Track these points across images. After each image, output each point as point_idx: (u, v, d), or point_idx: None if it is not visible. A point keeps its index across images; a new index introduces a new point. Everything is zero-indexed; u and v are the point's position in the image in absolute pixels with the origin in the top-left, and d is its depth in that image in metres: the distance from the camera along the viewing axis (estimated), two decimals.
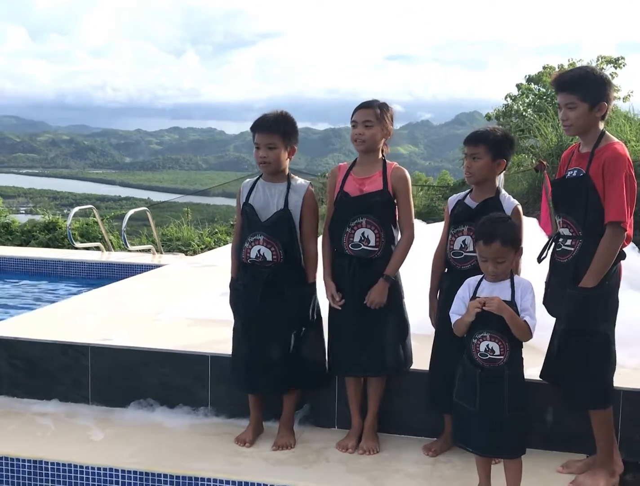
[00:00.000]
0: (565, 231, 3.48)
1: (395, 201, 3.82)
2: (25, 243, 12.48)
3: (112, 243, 11.37)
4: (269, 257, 3.80)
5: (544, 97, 22.81)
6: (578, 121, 3.37)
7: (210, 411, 4.32)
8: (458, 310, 3.32)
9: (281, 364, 3.83)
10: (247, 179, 4.04)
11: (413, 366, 3.99)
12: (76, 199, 72.39)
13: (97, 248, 9.99)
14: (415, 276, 4.76)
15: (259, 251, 3.81)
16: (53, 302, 6.65)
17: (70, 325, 5.03)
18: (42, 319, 5.28)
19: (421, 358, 4.02)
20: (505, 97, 25.20)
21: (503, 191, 3.77)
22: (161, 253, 10.09)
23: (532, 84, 25.18)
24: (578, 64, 25.19)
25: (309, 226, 3.89)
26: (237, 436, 3.99)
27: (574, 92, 3.35)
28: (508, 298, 3.20)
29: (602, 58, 24.93)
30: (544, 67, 25.92)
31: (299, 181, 3.93)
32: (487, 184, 3.72)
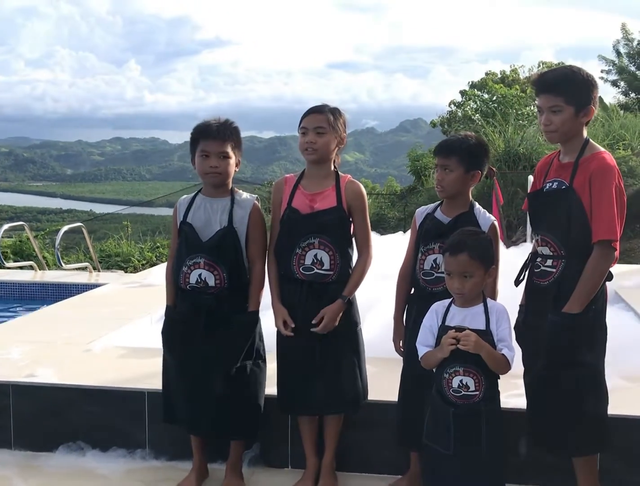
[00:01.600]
0: (545, 250, 3.13)
1: (350, 219, 3.45)
2: None
3: (47, 261, 10.76)
4: (211, 282, 3.38)
5: (489, 103, 22.91)
6: (563, 126, 3.03)
7: (149, 454, 3.89)
8: (425, 341, 2.96)
9: (224, 405, 3.42)
10: (184, 195, 3.62)
11: (374, 397, 3.64)
12: (16, 212, 70.25)
13: (31, 267, 9.38)
14: (370, 292, 4.41)
15: (199, 275, 3.39)
16: None
17: None
18: None
19: (381, 386, 3.67)
20: (449, 104, 25.27)
21: (477, 205, 3.42)
22: (98, 271, 9.55)
23: (476, 90, 25.31)
24: (520, 70, 25.42)
25: (256, 245, 3.49)
26: (179, 483, 3.59)
27: (558, 94, 3.00)
28: (482, 326, 2.86)
29: (543, 64, 25.22)
30: (487, 74, 26.10)
31: (244, 195, 3.53)
32: (460, 197, 3.36)
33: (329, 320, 3.36)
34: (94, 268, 9.42)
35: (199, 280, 3.39)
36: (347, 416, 3.65)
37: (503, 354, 2.83)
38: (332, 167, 3.49)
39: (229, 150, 3.41)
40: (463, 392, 2.84)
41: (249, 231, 3.45)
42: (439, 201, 3.49)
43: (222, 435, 3.57)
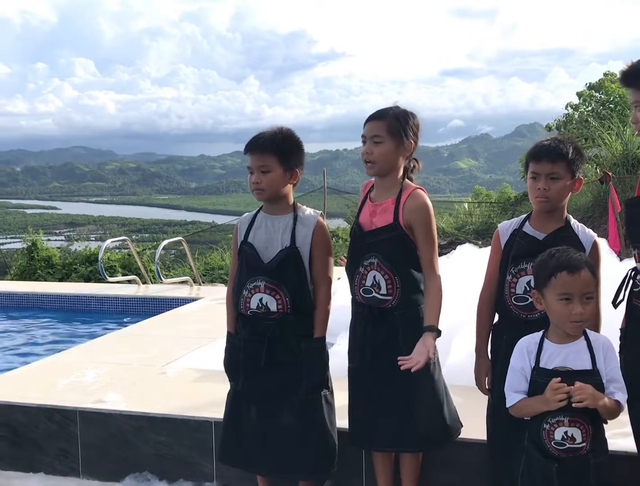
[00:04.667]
0: None
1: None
2: (66, 277, 12.09)
3: (152, 275, 10.87)
4: (273, 307, 3.10)
5: (606, 103, 21.65)
6: None
7: None
8: (517, 386, 2.53)
9: (290, 441, 3.13)
10: (246, 214, 3.36)
11: (461, 434, 3.24)
12: (144, 225, 73.09)
13: (132, 281, 9.47)
14: (457, 314, 4.01)
15: (260, 300, 3.11)
16: (73, 345, 6.08)
17: (64, 383, 4.41)
18: (32, 375, 4.65)
19: (470, 421, 3.26)
20: (566, 107, 24.10)
21: (573, 219, 2.96)
22: (199, 285, 9.52)
23: (594, 91, 24.04)
24: None
25: (321, 265, 3.17)
26: None
27: None
28: (588, 366, 2.45)
29: None
30: (605, 74, 24.78)
31: (307, 210, 3.22)
32: (558, 210, 2.92)
33: (418, 356, 2.85)
34: (195, 282, 9.40)
35: (260, 305, 3.12)
36: (427, 455, 3.29)
37: (616, 400, 2.41)
38: (400, 175, 3.11)
39: (271, 163, 3.09)
40: (568, 445, 2.42)
41: (312, 251, 3.15)
42: (525, 215, 3.06)
43: (289, 476, 3.27)
